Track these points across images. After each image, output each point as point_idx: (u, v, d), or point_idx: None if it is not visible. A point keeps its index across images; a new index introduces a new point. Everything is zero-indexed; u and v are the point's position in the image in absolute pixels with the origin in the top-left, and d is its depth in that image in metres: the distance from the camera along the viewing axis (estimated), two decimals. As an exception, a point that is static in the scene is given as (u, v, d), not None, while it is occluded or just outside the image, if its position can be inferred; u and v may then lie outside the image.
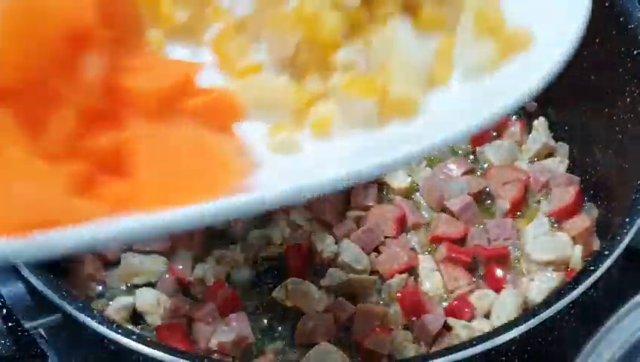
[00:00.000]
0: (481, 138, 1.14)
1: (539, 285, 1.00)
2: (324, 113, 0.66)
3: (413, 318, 0.98)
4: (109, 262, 1.04)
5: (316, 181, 0.58)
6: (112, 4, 0.64)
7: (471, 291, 1.01)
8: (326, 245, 1.02)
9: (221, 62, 0.69)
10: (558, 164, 1.12)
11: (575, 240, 1.03)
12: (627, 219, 0.88)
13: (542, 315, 0.81)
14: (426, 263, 1.02)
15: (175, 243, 1.04)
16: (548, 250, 1.03)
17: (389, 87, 0.65)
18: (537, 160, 1.13)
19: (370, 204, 1.08)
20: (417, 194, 1.10)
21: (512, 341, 0.80)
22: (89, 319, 0.81)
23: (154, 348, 0.79)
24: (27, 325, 0.87)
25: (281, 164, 0.64)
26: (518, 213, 1.08)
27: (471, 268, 1.03)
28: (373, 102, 0.65)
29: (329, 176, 0.58)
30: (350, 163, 0.60)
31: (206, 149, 0.61)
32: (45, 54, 0.59)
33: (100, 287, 1.03)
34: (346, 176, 0.58)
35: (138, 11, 0.67)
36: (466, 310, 0.99)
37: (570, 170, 1.12)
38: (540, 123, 1.15)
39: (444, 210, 1.07)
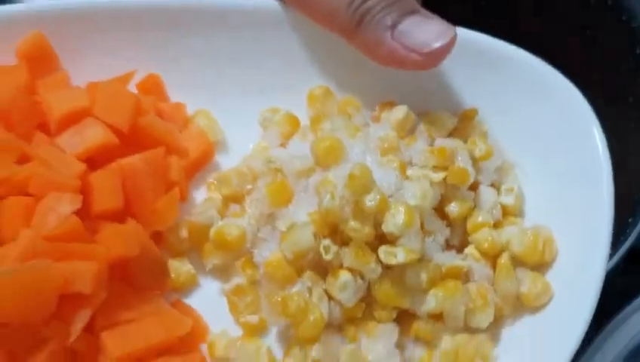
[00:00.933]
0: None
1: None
2: None
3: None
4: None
5: None
6: (126, 264, 0.77)
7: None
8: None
9: (230, 309, 0.81)
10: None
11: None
12: (630, 220, 0.87)
13: None
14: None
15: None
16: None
17: None
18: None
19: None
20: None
21: None
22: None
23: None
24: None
25: None
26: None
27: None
28: None
29: None
30: None
31: None
32: (39, 307, 0.71)
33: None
34: None
35: (154, 265, 0.79)
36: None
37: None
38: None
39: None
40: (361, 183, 0.74)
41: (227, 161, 0.86)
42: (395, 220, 0.74)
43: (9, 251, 0.71)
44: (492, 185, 0.82)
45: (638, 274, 0.82)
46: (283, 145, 0.85)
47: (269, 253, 0.78)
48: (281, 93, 0.87)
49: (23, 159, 0.76)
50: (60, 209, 0.73)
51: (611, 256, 0.82)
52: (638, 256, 0.81)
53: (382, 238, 0.76)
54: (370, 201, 0.74)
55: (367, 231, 0.75)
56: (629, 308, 0.78)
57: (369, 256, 0.75)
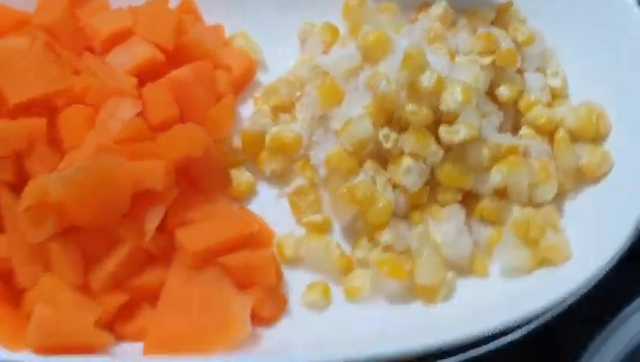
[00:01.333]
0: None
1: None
2: (358, 283, 0.76)
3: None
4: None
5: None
6: (191, 167, 0.76)
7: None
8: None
9: (293, 210, 0.81)
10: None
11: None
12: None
13: (545, 316, 0.78)
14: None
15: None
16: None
17: (415, 274, 0.75)
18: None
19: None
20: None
21: (515, 342, 0.77)
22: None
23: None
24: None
25: (304, 319, 0.75)
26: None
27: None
28: (399, 284, 0.75)
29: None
30: (358, 347, 0.71)
31: (223, 305, 0.71)
32: (113, 206, 0.71)
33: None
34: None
35: (217, 169, 0.79)
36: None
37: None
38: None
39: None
40: (417, 63, 0.74)
41: (268, 79, 0.86)
42: (453, 97, 0.75)
43: (76, 155, 0.71)
44: (537, 70, 0.83)
45: (638, 274, 0.78)
46: (325, 53, 0.85)
47: (324, 154, 0.79)
48: (314, 8, 0.88)
49: (77, 75, 0.76)
50: (121, 114, 0.73)
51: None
52: (638, 256, 0.78)
53: (438, 123, 0.76)
54: (426, 81, 0.75)
55: (425, 112, 0.75)
56: (628, 309, 0.75)
57: (429, 139, 0.75)
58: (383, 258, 0.75)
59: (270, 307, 0.74)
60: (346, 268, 0.77)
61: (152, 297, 0.72)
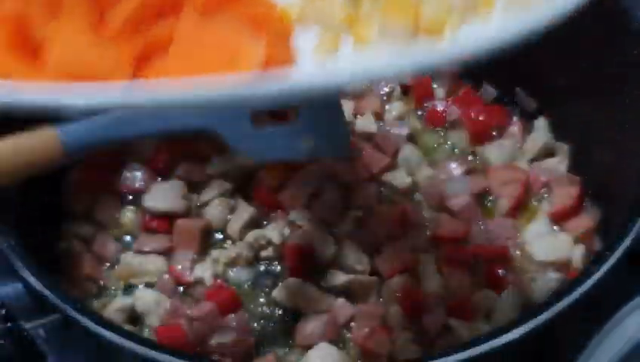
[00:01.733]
0: (481, 137, 1.15)
1: (540, 285, 1.00)
2: (365, 31, 0.75)
3: (414, 319, 0.97)
4: (108, 262, 1.06)
5: (339, 74, 0.70)
6: None
7: (471, 291, 1.00)
8: (326, 245, 1.03)
9: None
10: (559, 164, 1.11)
11: (577, 240, 1.04)
12: (629, 219, 0.87)
13: (543, 316, 0.80)
14: (426, 263, 1.02)
15: (174, 243, 1.05)
16: (549, 250, 1.03)
17: (421, 10, 0.74)
18: (537, 160, 1.12)
19: (371, 203, 1.07)
20: (418, 193, 1.10)
21: (513, 342, 0.79)
22: (88, 320, 0.81)
23: (153, 349, 0.79)
24: (26, 325, 0.86)
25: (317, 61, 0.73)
26: (519, 214, 1.09)
27: (471, 268, 1.02)
28: (406, 22, 0.74)
29: (352, 70, 0.70)
30: (375, 63, 0.71)
31: (236, 43, 0.71)
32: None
33: (99, 288, 1.04)
34: (364, 72, 0.71)
35: None
36: (467, 310, 0.98)
37: (571, 170, 1.10)
38: (541, 123, 1.15)
39: (444, 209, 1.07)
40: None
41: None
42: None
43: None
44: None
45: (637, 275, 0.82)
46: None
47: None
48: None
49: None
50: None
51: (610, 256, 0.83)
52: (637, 256, 0.81)
53: None
54: None
55: None
56: (626, 308, 0.79)
57: None
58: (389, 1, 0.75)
59: (281, 53, 0.73)
60: (353, 22, 0.76)
61: (164, 48, 0.71)
